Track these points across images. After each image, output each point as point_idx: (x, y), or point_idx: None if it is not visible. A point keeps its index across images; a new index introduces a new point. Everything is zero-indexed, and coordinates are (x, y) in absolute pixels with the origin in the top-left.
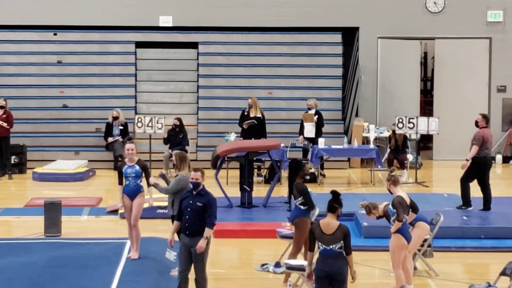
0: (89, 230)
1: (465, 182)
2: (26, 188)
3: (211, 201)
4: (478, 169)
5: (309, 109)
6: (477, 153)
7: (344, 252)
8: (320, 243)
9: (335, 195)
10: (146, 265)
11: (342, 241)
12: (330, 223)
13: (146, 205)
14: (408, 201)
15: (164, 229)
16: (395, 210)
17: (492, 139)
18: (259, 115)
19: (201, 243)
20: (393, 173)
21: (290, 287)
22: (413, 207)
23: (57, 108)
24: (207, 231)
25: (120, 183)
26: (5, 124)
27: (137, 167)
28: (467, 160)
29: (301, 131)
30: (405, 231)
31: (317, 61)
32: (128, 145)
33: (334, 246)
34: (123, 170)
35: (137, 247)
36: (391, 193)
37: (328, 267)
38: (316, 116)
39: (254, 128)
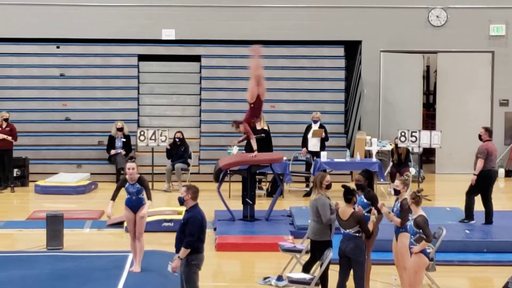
0: (91, 243)
1: (470, 195)
2: (28, 201)
3: (191, 219)
4: (483, 183)
5: (315, 121)
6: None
7: (360, 236)
8: (340, 227)
9: (347, 188)
10: (148, 278)
11: (357, 226)
12: (345, 211)
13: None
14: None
15: (169, 243)
16: (418, 230)
17: (496, 153)
18: (265, 127)
19: (174, 263)
20: (420, 193)
21: None
22: None
23: (59, 121)
24: (182, 251)
25: (113, 198)
26: (9, 138)
27: (138, 186)
28: (475, 174)
29: (304, 144)
30: (425, 249)
31: (320, 75)
32: (128, 164)
33: (350, 230)
34: (125, 188)
35: (140, 260)
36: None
37: (344, 247)
38: (323, 130)
39: (261, 141)
